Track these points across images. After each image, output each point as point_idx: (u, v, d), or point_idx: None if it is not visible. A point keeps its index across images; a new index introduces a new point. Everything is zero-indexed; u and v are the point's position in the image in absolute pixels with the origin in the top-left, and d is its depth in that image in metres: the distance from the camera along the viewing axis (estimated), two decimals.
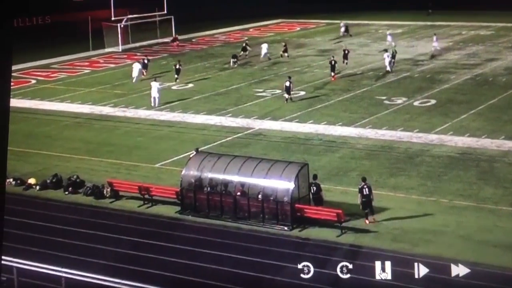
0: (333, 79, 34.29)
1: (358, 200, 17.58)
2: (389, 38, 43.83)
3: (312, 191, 17.92)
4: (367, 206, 17.45)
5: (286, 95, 30.20)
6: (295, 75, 35.17)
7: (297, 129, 26.30)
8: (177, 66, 35.62)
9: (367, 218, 17.43)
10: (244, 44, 42.03)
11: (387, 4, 61.55)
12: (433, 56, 40.24)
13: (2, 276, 13.03)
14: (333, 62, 34.41)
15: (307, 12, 60.84)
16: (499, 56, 40.36)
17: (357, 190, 17.73)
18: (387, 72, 35.69)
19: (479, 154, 22.59)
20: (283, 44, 41.46)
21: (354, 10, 61.62)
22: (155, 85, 30.79)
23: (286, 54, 40.34)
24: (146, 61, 37.30)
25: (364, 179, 17.84)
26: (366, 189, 17.52)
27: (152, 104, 30.50)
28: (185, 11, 54.50)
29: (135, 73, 34.77)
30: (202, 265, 15.50)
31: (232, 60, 39.20)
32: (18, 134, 25.83)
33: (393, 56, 37.31)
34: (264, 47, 40.48)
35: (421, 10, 59.85)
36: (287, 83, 30.20)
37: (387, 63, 36.23)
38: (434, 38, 42.18)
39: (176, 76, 35.28)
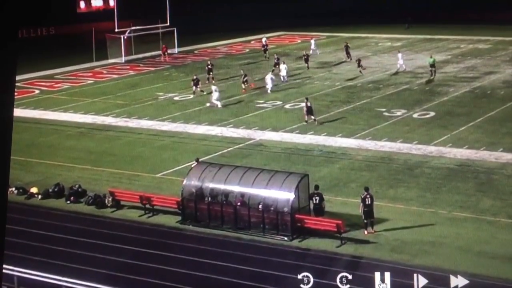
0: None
1: (359, 209, 17.65)
2: (399, 57, 41.06)
3: (314, 201, 17.98)
4: (369, 216, 17.54)
5: (307, 117, 27.92)
6: (295, 87, 35.35)
7: (297, 140, 26.43)
8: None
9: (366, 229, 17.53)
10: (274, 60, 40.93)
11: (387, 18, 61.92)
12: (397, 73, 39.16)
13: (3, 284, 13.11)
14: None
15: (308, 25, 61.21)
16: (497, 70, 40.52)
17: (359, 200, 17.79)
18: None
19: (477, 166, 22.71)
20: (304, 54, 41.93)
21: (354, 23, 62.02)
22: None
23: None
24: (210, 66, 38.48)
25: (367, 189, 17.90)
26: (369, 199, 17.58)
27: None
28: (187, 23, 54.86)
29: (269, 83, 34.83)
30: (202, 275, 15.57)
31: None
32: (21, 144, 25.99)
33: (433, 65, 37.46)
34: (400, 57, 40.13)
35: (419, 24, 60.26)
36: (308, 103, 28.18)
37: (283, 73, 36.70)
38: (399, 55, 40.56)
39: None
